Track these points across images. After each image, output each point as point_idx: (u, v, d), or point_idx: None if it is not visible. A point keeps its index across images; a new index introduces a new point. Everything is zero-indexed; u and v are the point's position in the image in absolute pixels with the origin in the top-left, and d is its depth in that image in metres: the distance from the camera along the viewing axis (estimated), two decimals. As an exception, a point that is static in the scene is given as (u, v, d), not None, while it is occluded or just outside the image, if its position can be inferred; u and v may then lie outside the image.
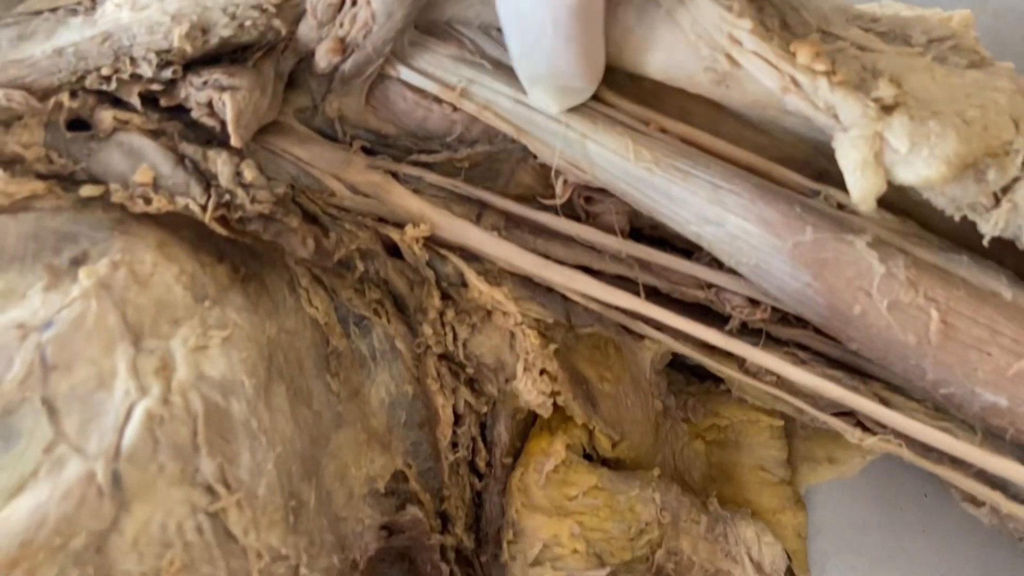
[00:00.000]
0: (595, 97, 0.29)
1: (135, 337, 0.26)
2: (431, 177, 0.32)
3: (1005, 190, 0.26)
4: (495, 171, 0.33)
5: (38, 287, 0.26)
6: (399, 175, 0.32)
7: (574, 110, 0.29)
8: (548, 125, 0.29)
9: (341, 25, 0.27)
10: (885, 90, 0.26)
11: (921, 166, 0.25)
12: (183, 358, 0.26)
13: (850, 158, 0.26)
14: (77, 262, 0.27)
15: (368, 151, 0.32)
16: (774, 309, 0.31)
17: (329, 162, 0.31)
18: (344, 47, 0.27)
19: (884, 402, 0.32)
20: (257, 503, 0.26)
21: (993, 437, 0.30)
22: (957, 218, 0.27)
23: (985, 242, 0.27)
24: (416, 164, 0.32)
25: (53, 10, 0.28)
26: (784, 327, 0.32)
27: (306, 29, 0.28)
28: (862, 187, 0.29)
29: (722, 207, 0.29)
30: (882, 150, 0.26)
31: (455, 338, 0.33)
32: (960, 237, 0.30)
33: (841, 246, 0.28)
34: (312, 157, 0.31)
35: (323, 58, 0.28)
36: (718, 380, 0.38)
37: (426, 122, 0.31)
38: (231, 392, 0.27)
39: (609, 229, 0.31)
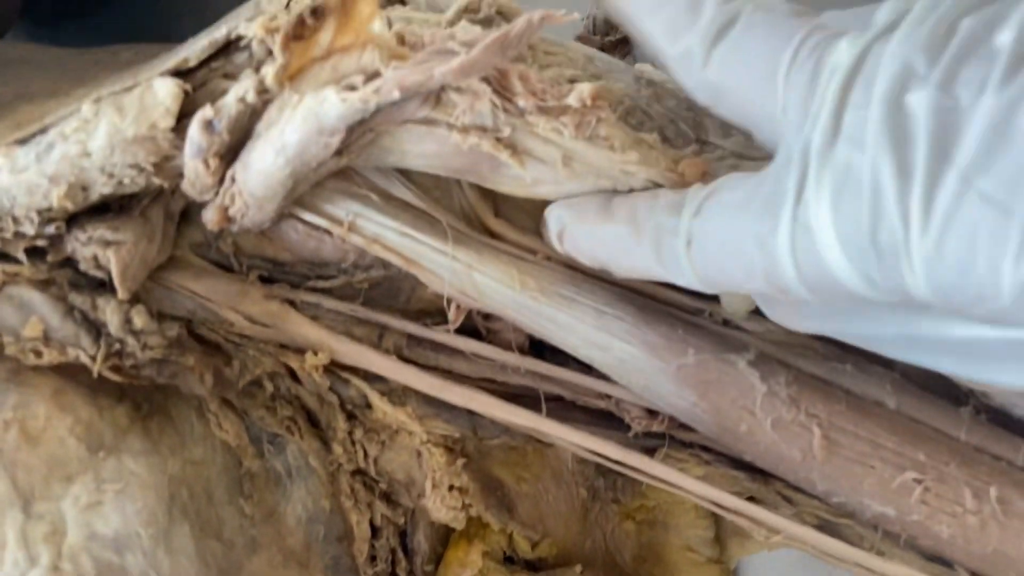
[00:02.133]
0: (482, 228, 0.30)
1: (25, 502, 0.26)
2: (329, 303, 0.32)
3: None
4: (395, 289, 0.33)
5: (-73, 457, 0.26)
6: (297, 303, 0.32)
7: (460, 242, 0.30)
8: (435, 257, 0.29)
9: (223, 194, 0.27)
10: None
11: None
12: (74, 519, 0.27)
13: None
14: (-31, 424, 0.28)
15: (265, 279, 0.32)
16: (672, 417, 0.31)
17: (225, 294, 0.31)
18: (229, 218, 0.27)
19: (787, 499, 0.32)
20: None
21: (890, 537, 0.30)
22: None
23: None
24: (314, 290, 0.32)
25: (-66, 174, 0.28)
26: (686, 431, 0.32)
27: (189, 190, 0.28)
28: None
29: (608, 332, 0.29)
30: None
31: (366, 455, 0.33)
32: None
33: (723, 366, 0.29)
34: (208, 290, 0.31)
35: (210, 222, 0.28)
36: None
37: (320, 251, 0.31)
38: (126, 547, 0.27)
39: (507, 346, 0.32)
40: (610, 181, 0.27)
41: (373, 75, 0.24)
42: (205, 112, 0.25)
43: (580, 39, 0.47)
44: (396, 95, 0.23)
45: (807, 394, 0.29)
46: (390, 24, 0.30)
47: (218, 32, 0.29)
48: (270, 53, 0.28)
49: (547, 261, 0.30)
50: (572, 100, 0.26)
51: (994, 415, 0.30)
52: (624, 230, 0.26)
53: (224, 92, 0.29)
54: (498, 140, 0.25)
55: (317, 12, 0.23)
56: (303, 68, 0.24)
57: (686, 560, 0.40)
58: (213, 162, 0.26)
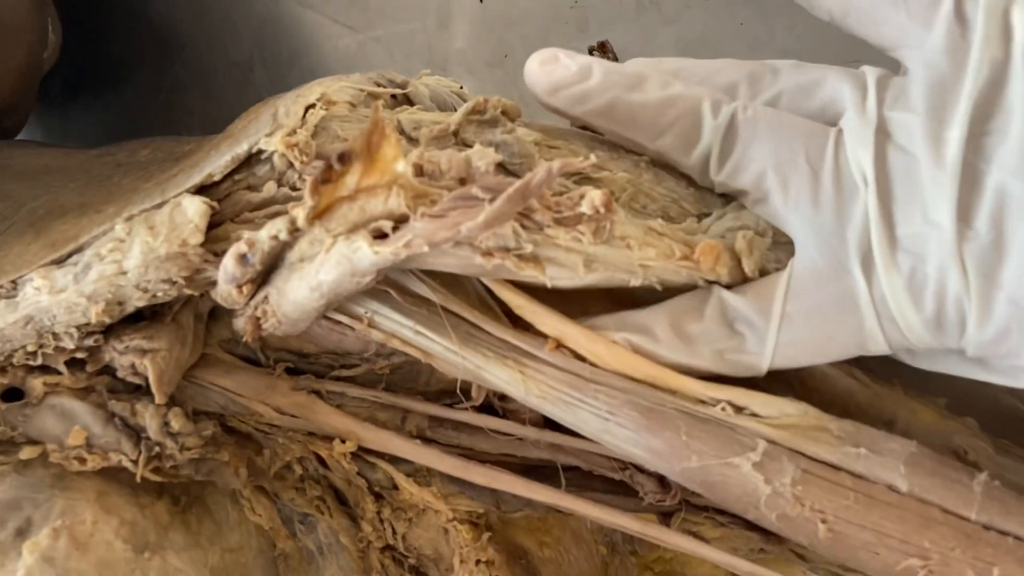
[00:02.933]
0: (484, 330, 0.31)
1: (79, 608, 0.28)
2: (353, 391, 0.33)
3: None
4: (415, 372, 0.34)
5: (-14, 568, 0.28)
6: (323, 393, 0.33)
7: (467, 343, 0.31)
8: (448, 356, 0.31)
9: (255, 308, 0.29)
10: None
11: None
12: (126, 622, 0.28)
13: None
14: (21, 533, 0.29)
15: (292, 371, 0.34)
16: (684, 488, 0.33)
17: (255, 389, 0.33)
18: (260, 328, 0.29)
19: (800, 556, 0.34)
20: None
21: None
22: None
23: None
24: (338, 379, 0.34)
25: (-24, 296, 0.30)
26: (700, 495, 0.34)
27: (221, 303, 0.29)
28: None
29: (612, 437, 0.30)
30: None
31: (394, 533, 0.35)
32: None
33: (727, 470, 0.29)
34: (238, 386, 0.33)
35: (243, 332, 0.30)
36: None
37: (343, 343, 0.33)
38: (176, 644, 0.29)
39: (523, 422, 0.33)
40: (627, 275, 0.28)
41: (400, 218, 0.25)
42: (240, 247, 0.27)
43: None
44: (425, 249, 0.25)
45: (813, 491, 0.29)
46: (401, 124, 0.32)
47: (240, 147, 0.30)
48: (291, 165, 0.30)
49: (549, 367, 0.31)
50: (585, 208, 0.27)
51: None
52: (681, 348, 0.29)
53: (248, 203, 0.31)
54: (520, 258, 0.27)
55: (344, 157, 0.25)
56: (331, 207, 0.26)
57: (704, 608, 0.42)
58: (247, 288, 0.27)
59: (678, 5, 0.48)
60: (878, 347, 0.27)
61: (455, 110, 0.36)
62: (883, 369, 0.34)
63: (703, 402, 0.29)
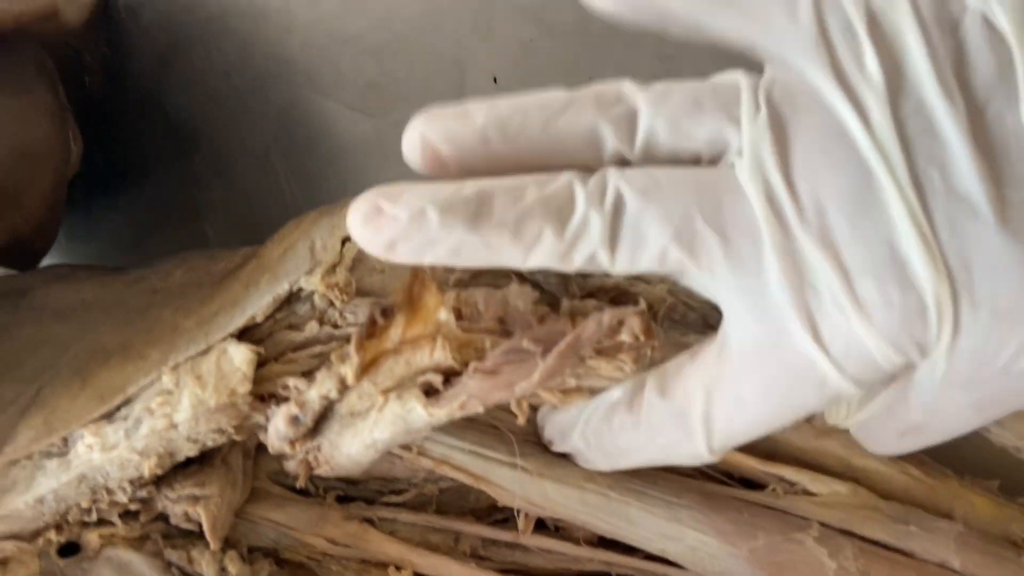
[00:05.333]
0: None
1: None
2: (404, 516, 0.33)
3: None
4: (464, 490, 0.34)
5: None
6: (375, 520, 0.33)
7: (525, 452, 0.31)
8: (502, 471, 0.31)
9: (307, 454, 0.29)
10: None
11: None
12: None
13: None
14: None
15: (342, 499, 0.34)
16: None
17: (307, 521, 0.33)
18: (312, 472, 0.29)
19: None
20: None
21: None
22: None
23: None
24: (389, 505, 0.34)
25: (28, 457, 0.30)
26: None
27: (272, 451, 0.30)
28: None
29: (679, 523, 0.30)
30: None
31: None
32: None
33: (792, 546, 0.30)
34: (289, 519, 0.33)
35: (294, 474, 0.30)
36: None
37: (392, 470, 0.33)
38: None
39: (576, 541, 0.33)
40: None
41: (448, 371, 0.25)
42: (291, 409, 0.27)
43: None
44: (480, 410, 0.25)
45: (875, 566, 0.30)
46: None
47: (280, 286, 0.30)
48: (331, 304, 0.30)
49: None
50: (625, 337, 0.27)
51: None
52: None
53: (290, 343, 0.31)
54: (564, 392, 0.27)
55: (387, 311, 0.25)
56: (377, 361, 0.26)
57: None
58: (299, 443, 0.27)
59: (692, 77, 0.48)
60: (848, 392, 0.23)
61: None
62: (936, 459, 0.35)
63: (754, 485, 0.30)
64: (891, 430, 0.26)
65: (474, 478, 0.31)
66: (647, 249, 0.22)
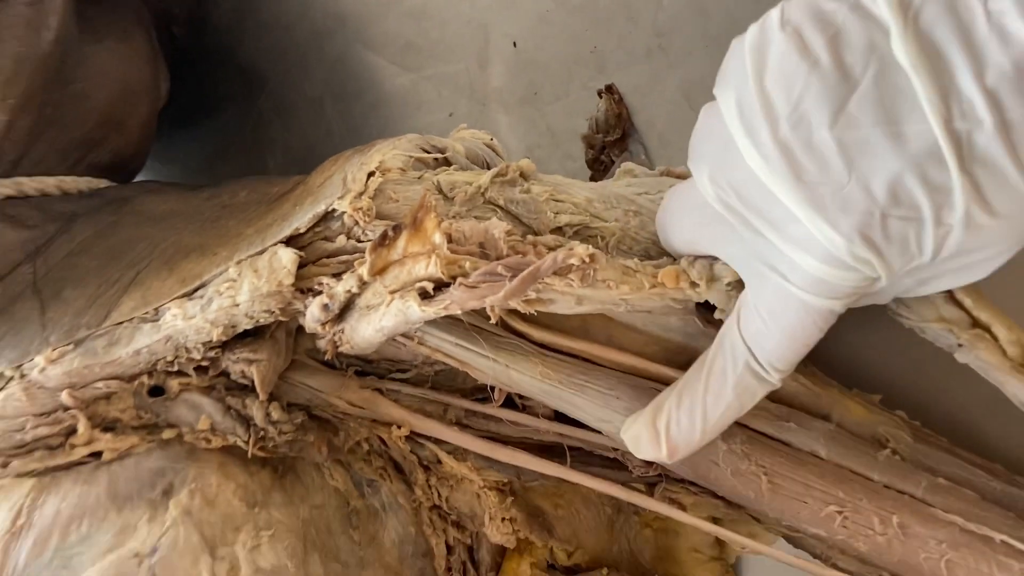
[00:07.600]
0: (516, 333, 0.41)
1: (211, 548, 0.39)
2: (406, 389, 0.43)
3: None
4: (453, 374, 0.44)
5: (144, 519, 0.39)
6: (383, 390, 0.43)
7: (498, 347, 0.40)
8: (480, 361, 0.40)
9: (334, 335, 0.39)
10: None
11: None
12: (244, 558, 0.39)
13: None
14: (167, 493, 0.40)
15: (359, 373, 0.44)
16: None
17: (332, 386, 0.43)
18: (337, 348, 0.39)
19: (755, 519, 0.43)
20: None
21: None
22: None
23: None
24: (394, 379, 0.44)
25: (130, 319, 0.40)
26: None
27: (308, 330, 0.40)
28: None
29: (612, 409, 0.40)
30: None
31: (439, 496, 0.45)
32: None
33: None
34: (319, 384, 0.43)
35: (323, 349, 0.40)
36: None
37: (398, 354, 0.43)
38: (279, 574, 0.40)
39: (537, 415, 0.43)
40: (612, 306, 0.38)
41: (438, 282, 0.35)
42: (323, 299, 0.37)
43: (585, 138, 0.57)
44: (459, 311, 0.34)
45: (757, 449, 0.39)
46: (440, 184, 0.41)
47: (319, 207, 0.40)
48: (356, 223, 0.40)
49: (563, 356, 0.40)
50: (575, 261, 0.36)
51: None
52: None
53: (324, 251, 0.40)
54: (526, 301, 0.36)
55: (396, 228, 0.34)
56: (386, 268, 0.35)
57: (693, 559, 0.51)
58: (328, 326, 0.37)
59: (682, 51, 0.56)
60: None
61: (486, 161, 0.45)
62: (823, 371, 0.43)
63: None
64: None
65: (460, 363, 0.41)
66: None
